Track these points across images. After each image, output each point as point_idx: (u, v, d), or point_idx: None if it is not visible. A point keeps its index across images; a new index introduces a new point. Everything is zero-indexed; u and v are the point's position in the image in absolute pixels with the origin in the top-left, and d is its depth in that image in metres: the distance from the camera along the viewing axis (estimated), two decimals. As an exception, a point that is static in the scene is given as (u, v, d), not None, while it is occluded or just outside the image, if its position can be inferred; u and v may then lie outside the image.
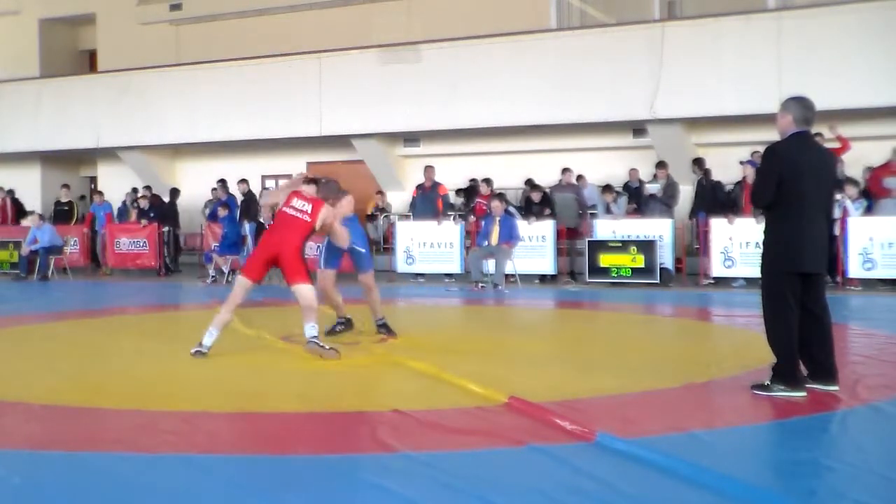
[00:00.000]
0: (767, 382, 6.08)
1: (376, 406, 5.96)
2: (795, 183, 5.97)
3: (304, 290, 7.98)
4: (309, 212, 8.14)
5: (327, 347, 7.85)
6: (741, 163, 15.53)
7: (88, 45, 26.42)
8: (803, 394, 5.96)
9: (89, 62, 26.57)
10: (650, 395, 6.33)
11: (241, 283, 8.14)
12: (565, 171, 17.19)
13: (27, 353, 8.69)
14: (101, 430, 5.45)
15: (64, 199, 21.10)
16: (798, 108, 6.15)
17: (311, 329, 7.91)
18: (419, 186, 17.89)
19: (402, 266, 17.00)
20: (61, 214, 20.83)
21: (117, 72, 22.65)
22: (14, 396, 6.30)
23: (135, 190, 20.95)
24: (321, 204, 8.27)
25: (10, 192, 22.20)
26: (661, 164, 16.44)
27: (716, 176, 16.10)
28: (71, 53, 26.84)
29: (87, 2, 25.06)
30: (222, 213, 17.93)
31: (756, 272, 6.41)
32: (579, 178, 18.34)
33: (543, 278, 16.41)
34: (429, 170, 17.66)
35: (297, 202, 8.21)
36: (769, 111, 6.50)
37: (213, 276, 17.26)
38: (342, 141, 20.15)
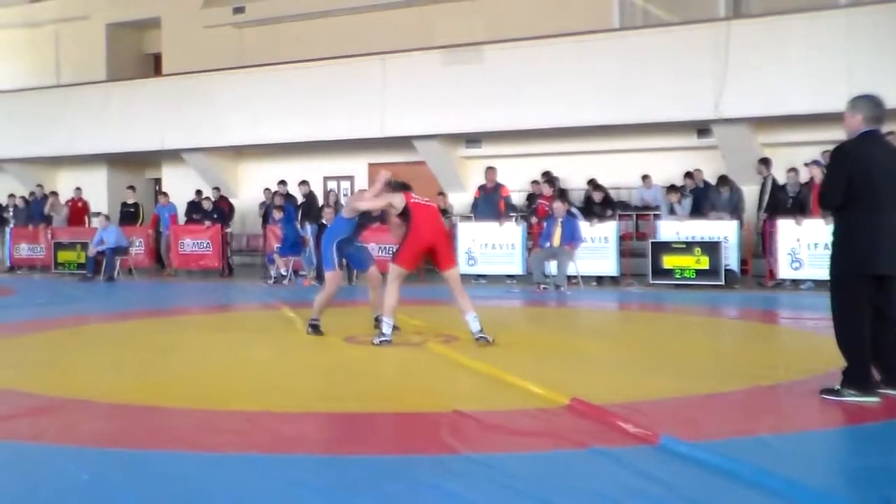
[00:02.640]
0: (838, 387, 5.93)
1: (437, 407, 5.94)
2: (866, 183, 5.82)
3: (458, 273, 8.74)
4: (431, 200, 8.93)
5: (490, 339, 8.40)
6: (806, 164, 15.24)
7: (153, 49, 26.82)
8: (876, 399, 5.81)
9: (154, 65, 26.97)
10: (715, 397, 6.24)
11: (398, 271, 8.62)
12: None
13: (94, 352, 8.83)
14: (165, 429, 5.51)
15: (130, 201, 21.41)
16: (868, 107, 5.99)
17: (475, 322, 8.51)
18: (481, 187, 17.85)
19: (463, 267, 16.93)
20: (127, 216, 21.13)
21: (181, 75, 22.94)
22: (82, 395, 6.41)
23: (199, 192, 21.18)
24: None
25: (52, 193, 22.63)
26: (723, 179, 16.18)
27: (783, 177, 15.79)
28: (137, 57, 27.27)
29: (153, 6, 25.42)
30: (277, 215, 18.08)
31: (825, 274, 6.27)
32: (644, 177, 18.20)
33: (601, 280, 16.25)
34: (490, 171, 17.61)
35: (416, 197, 8.77)
36: (839, 110, 6.33)
37: (274, 277, 17.40)
38: (404, 142, 20.19)
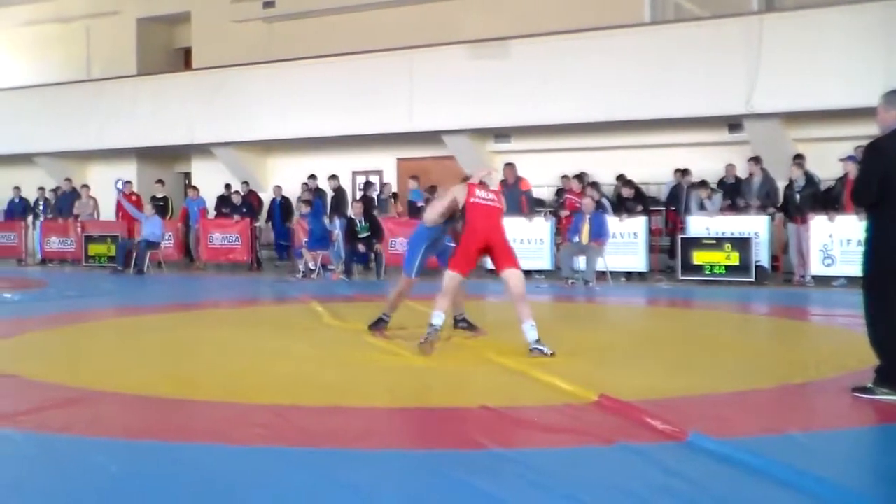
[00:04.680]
0: (870, 385, 5.87)
1: (465, 402, 5.93)
2: (901, 179, 5.75)
3: (519, 275, 7.97)
4: (496, 198, 8.20)
5: (548, 352, 7.57)
6: (840, 160, 15.09)
7: (184, 43, 26.93)
8: (910, 397, 5.75)
9: (184, 60, 27.09)
10: (745, 395, 6.19)
11: (454, 277, 8.02)
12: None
13: (123, 345, 8.89)
14: (194, 422, 5.54)
15: (159, 195, 21.53)
16: (903, 102, 5.91)
17: (531, 331, 7.72)
18: (503, 182, 17.78)
19: (491, 263, 16.83)
20: (157, 209, 21.20)
21: (211, 69, 23.02)
22: (112, 387, 6.45)
23: (228, 186, 21.30)
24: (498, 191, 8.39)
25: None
26: (755, 160, 16.04)
27: (816, 173, 15.62)
28: (167, 51, 27.39)
29: (183, 1, 25.53)
30: (305, 209, 18.13)
31: (858, 271, 6.22)
32: (682, 172, 18.04)
33: (629, 275, 16.19)
34: (508, 167, 17.46)
35: (480, 192, 8.13)
36: (873, 104, 6.25)
37: (303, 272, 17.45)
38: (432, 136, 20.17)
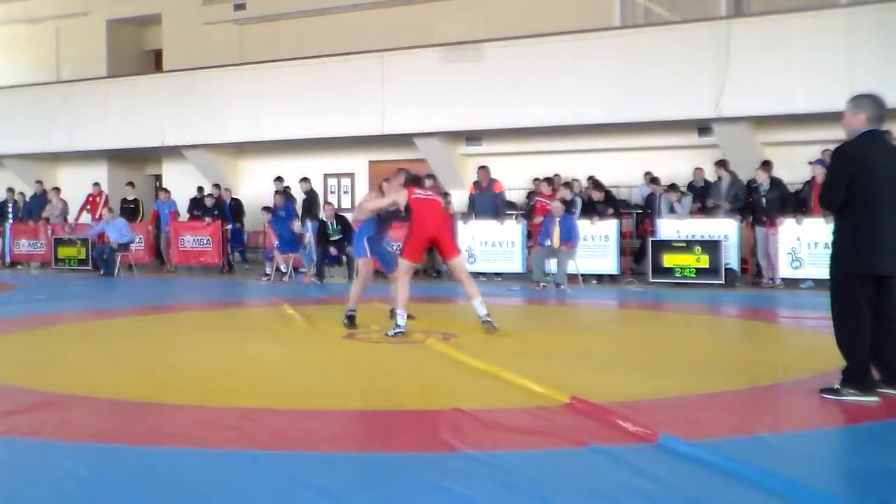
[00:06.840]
0: (837, 386, 5.93)
1: (437, 405, 5.94)
2: (868, 183, 5.80)
3: (462, 261, 9.43)
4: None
5: (497, 327, 8.98)
6: (810, 163, 15.26)
7: (154, 45, 26.76)
8: (875, 398, 5.81)
9: (155, 62, 26.92)
10: (715, 396, 6.24)
11: (407, 266, 9.12)
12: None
13: (93, 348, 8.81)
14: (164, 425, 5.51)
15: (129, 197, 21.38)
16: (872, 106, 5.96)
17: (482, 307, 9.11)
18: (475, 184, 17.82)
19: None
20: (127, 212, 21.11)
21: (182, 71, 22.90)
22: (81, 391, 6.40)
23: (200, 189, 21.20)
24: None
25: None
26: (721, 163, 16.13)
27: (784, 176, 15.79)
28: (137, 53, 27.19)
29: (154, 2, 25.39)
30: (267, 215, 18.13)
31: (825, 273, 6.27)
32: (647, 174, 18.16)
33: (601, 278, 16.27)
34: (482, 171, 17.54)
35: (420, 192, 9.20)
36: (839, 109, 6.31)
37: (269, 274, 17.41)
38: (404, 140, 20.17)
